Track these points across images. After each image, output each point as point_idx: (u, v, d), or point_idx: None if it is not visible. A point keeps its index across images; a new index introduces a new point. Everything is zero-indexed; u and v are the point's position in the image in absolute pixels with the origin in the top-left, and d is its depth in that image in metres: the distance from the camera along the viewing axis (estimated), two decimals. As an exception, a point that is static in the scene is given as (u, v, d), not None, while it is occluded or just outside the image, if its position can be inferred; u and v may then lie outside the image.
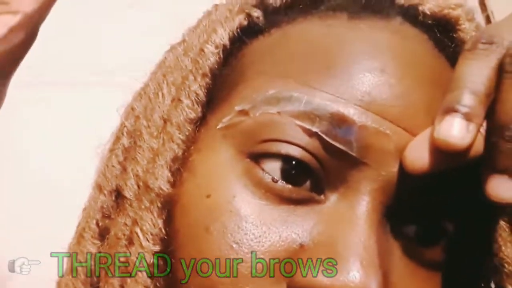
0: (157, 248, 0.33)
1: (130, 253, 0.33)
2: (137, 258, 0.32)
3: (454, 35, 0.37)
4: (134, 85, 0.40)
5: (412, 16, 0.37)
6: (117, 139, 0.38)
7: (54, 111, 0.66)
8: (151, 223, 0.33)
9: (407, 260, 0.32)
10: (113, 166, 0.37)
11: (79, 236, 0.37)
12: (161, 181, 0.33)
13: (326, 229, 0.31)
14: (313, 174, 0.32)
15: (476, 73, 0.29)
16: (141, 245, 0.32)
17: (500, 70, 0.28)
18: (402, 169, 0.31)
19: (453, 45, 0.37)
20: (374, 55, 0.33)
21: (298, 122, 0.32)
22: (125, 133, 0.38)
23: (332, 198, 0.32)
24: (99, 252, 0.35)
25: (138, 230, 0.33)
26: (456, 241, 0.33)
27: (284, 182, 0.32)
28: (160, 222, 0.33)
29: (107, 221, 0.36)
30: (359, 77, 0.32)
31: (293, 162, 0.32)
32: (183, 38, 0.41)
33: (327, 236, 0.31)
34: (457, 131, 0.28)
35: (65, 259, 0.38)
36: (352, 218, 0.31)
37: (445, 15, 0.37)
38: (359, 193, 0.31)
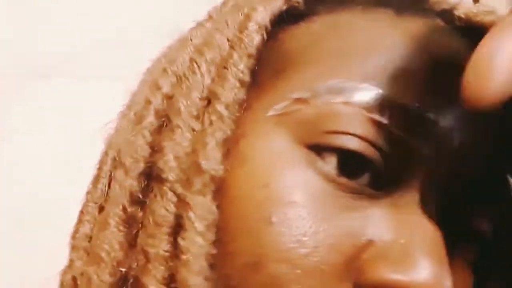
0: (213, 236, 0.30)
1: (184, 239, 0.29)
2: (194, 246, 0.29)
3: None
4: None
5: (449, 20, 0.37)
6: (142, 117, 0.35)
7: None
8: (205, 208, 0.30)
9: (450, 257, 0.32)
10: (140, 146, 0.34)
11: (104, 222, 0.32)
12: (215, 163, 0.31)
13: (392, 225, 0.30)
14: (374, 169, 0.31)
15: None
16: (196, 231, 0.29)
17: None
18: (462, 164, 0.31)
19: None
20: (436, 52, 0.33)
21: (367, 114, 0.31)
22: (152, 111, 0.35)
23: (393, 194, 0.31)
24: (129, 241, 0.32)
25: (191, 214, 0.30)
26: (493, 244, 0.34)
27: (346, 178, 0.30)
28: (214, 208, 0.30)
29: (136, 207, 0.33)
30: (425, 75, 0.32)
31: (352, 155, 0.31)
32: (209, 15, 0.38)
33: (395, 233, 0.30)
34: None
35: (77, 247, 0.34)
36: (417, 215, 0.30)
37: (479, 21, 0.38)
38: (421, 189, 0.31)
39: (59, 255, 0.35)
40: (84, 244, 0.34)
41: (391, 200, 0.31)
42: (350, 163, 0.31)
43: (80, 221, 0.35)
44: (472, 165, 0.32)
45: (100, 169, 0.37)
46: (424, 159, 0.31)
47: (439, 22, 0.36)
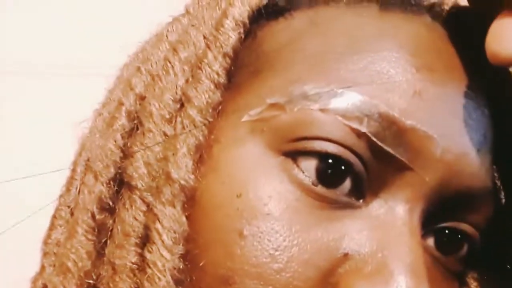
0: (181, 249, 0.29)
1: (150, 252, 0.28)
2: (160, 260, 0.28)
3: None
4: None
5: (438, 15, 0.35)
6: (114, 119, 0.33)
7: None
8: (174, 219, 0.29)
9: (433, 267, 0.31)
10: (111, 150, 0.32)
11: (72, 229, 0.31)
12: (186, 172, 0.29)
13: (370, 238, 0.29)
14: (355, 177, 0.30)
15: None
16: (163, 245, 0.28)
17: None
18: (446, 174, 0.30)
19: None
20: (419, 52, 0.31)
21: (345, 121, 0.29)
22: (124, 113, 0.33)
23: (373, 204, 0.30)
24: (98, 250, 0.31)
25: (159, 226, 0.29)
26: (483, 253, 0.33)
27: (324, 187, 0.29)
28: (184, 220, 0.29)
29: (106, 214, 0.31)
30: (407, 75, 0.30)
31: (330, 161, 0.29)
32: (186, 10, 0.37)
33: (373, 246, 0.29)
34: None
35: (48, 253, 0.33)
36: (397, 226, 0.29)
37: (469, 16, 0.36)
38: (402, 200, 0.30)
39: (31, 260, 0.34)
40: (56, 250, 0.33)
41: (371, 210, 0.30)
42: (329, 171, 0.29)
43: (52, 225, 0.34)
44: (457, 173, 0.30)
45: (73, 171, 0.35)
46: (406, 169, 0.29)
47: (427, 18, 0.34)
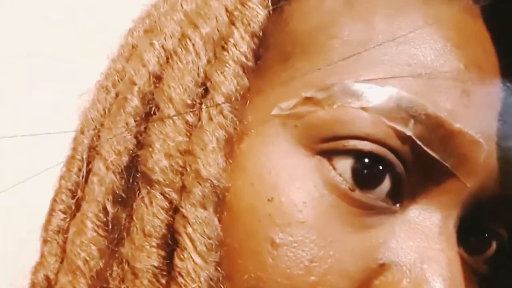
0: (216, 257, 0.26)
1: (182, 260, 0.26)
2: (194, 269, 0.26)
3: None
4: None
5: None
6: (125, 100, 0.30)
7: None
8: (206, 223, 0.26)
9: (466, 276, 0.30)
10: (124, 137, 0.29)
11: (80, 223, 0.28)
12: (217, 170, 0.27)
13: (407, 247, 0.27)
14: (394, 178, 0.28)
15: None
16: (196, 251, 0.26)
17: None
18: (487, 179, 0.28)
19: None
20: (466, 46, 0.29)
21: (389, 123, 0.27)
22: (136, 95, 0.30)
23: (409, 209, 0.28)
24: (112, 249, 0.28)
25: (190, 230, 0.26)
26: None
27: (361, 192, 0.27)
28: (217, 223, 0.27)
29: (119, 208, 0.29)
30: (454, 73, 0.28)
31: (367, 160, 0.27)
32: None
33: (411, 257, 0.27)
34: None
35: (49, 246, 0.30)
36: (435, 236, 0.28)
37: None
38: (441, 207, 0.28)
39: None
40: (57, 238, 0.30)
41: (408, 216, 0.28)
42: (365, 172, 0.27)
43: (53, 210, 0.31)
44: (496, 179, 0.29)
45: (74, 149, 0.32)
46: (449, 175, 0.28)
47: (469, 2, 0.31)
